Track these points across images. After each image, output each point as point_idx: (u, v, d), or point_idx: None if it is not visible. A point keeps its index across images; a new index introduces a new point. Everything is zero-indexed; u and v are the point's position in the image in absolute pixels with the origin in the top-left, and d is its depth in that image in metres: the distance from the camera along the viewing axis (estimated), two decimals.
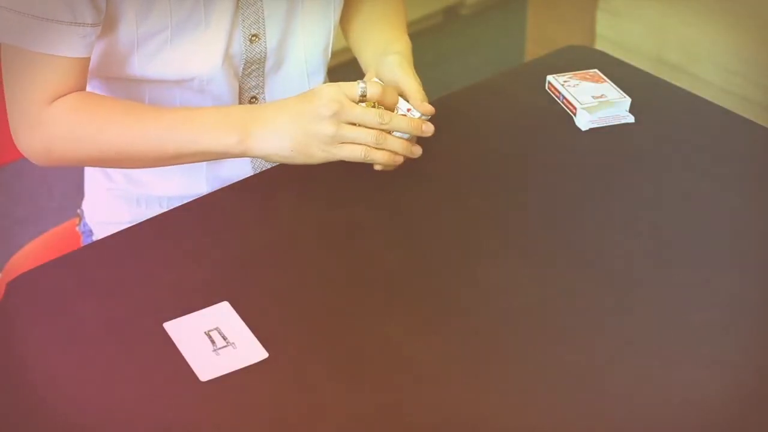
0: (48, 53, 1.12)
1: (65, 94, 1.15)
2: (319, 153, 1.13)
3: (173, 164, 1.20)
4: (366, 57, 1.32)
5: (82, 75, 1.17)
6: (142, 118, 1.15)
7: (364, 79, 1.25)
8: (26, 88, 1.15)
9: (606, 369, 0.97)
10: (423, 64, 1.36)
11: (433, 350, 0.99)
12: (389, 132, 1.14)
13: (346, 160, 1.14)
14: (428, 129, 1.16)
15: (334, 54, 1.35)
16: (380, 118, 1.12)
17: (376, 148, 1.13)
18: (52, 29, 1.11)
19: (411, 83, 1.20)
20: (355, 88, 1.13)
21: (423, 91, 1.19)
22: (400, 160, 1.15)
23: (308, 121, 1.12)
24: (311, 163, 1.15)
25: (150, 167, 1.26)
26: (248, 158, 1.33)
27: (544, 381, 0.95)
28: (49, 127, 1.15)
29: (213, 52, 1.21)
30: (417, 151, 1.17)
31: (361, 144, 1.13)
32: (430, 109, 1.18)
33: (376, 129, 1.12)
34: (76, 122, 1.15)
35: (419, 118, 1.17)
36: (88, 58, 1.17)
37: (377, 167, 1.16)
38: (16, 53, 1.13)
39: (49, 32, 1.11)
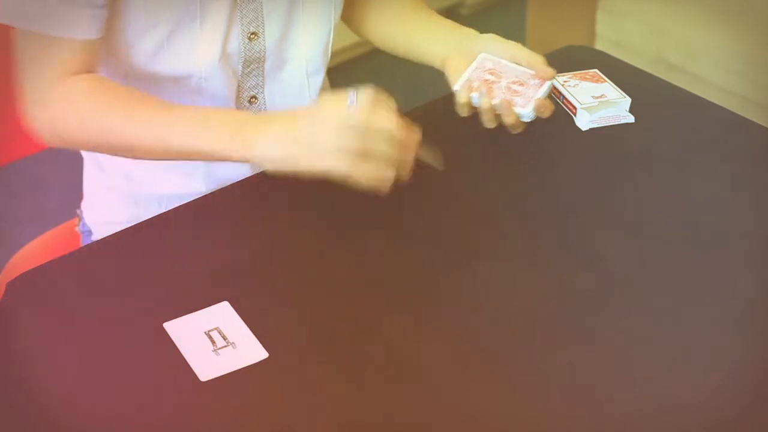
0: (59, 35, 1.12)
1: (79, 73, 1.15)
2: (327, 157, 1.08)
3: (174, 159, 1.19)
4: (435, 46, 1.33)
5: (93, 55, 1.16)
6: (150, 106, 1.14)
7: (449, 66, 1.29)
8: (39, 65, 1.14)
9: (606, 369, 0.97)
10: (423, 63, 1.36)
11: (433, 350, 0.99)
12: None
13: (338, 174, 1.07)
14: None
15: (334, 54, 1.35)
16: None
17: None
18: (66, 12, 1.11)
19: (532, 54, 1.26)
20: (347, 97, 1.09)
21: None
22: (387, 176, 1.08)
23: (318, 128, 1.08)
24: (313, 169, 1.09)
25: (150, 159, 1.24)
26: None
27: (544, 381, 0.95)
28: (58, 104, 1.14)
29: (209, 49, 1.21)
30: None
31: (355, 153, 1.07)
32: (552, 72, 1.24)
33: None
34: (84, 101, 1.14)
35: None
36: (99, 41, 1.16)
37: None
38: (30, 35, 1.13)
39: (62, 14, 1.11)
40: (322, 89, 1.37)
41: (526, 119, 1.23)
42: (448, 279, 1.08)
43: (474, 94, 1.24)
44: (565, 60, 1.46)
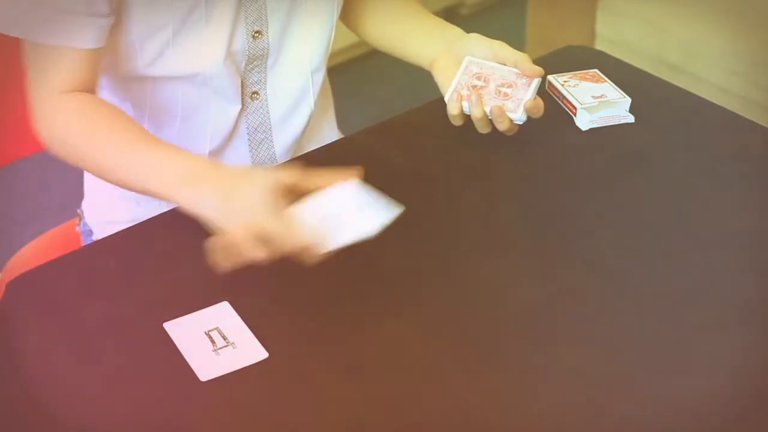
0: (65, 45, 1.13)
1: (78, 87, 1.16)
2: (235, 220, 1.02)
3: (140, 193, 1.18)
4: (424, 48, 1.34)
5: (93, 67, 1.17)
6: (120, 143, 1.14)
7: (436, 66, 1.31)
8: (42, 77, 1.16)
9: (605, 369, 0.97)
10: (413, 64, 1.36)
11: (433, 350, 0.99)
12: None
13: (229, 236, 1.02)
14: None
15: (334, 54, 1.35)
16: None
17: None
18: (70, 21, 1.11)
19: (516, 53, 1.26)
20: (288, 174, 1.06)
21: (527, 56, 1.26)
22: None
23: (240, 196, 1.04)
24: (233, 225, 1.02)
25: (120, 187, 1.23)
26: (247, 155, 1.33)
27: (543, 381, 0.95)
28: (50, 119, 1.16)
29: (215, 48, 1.21)
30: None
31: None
32: (540, 70, 1.23)
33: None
34: (68, 123, 1.16)
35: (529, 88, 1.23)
36: (101, 51, 1.17)
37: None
38: (35, 43, 1.14)
39: (66, 24, 1.12)
40: (323, 88, 1.37)
41: (519, 122, 1.23)
42: (449, 279, 1.08)
43: (465, 103, 1.24)
44: (565, 60, 1.46)
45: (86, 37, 1.14)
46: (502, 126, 1.23)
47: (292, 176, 1.05)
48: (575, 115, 1.32)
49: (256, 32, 1.24)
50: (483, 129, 1.25)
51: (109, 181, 1.20)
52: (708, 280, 1.07)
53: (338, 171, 1.06)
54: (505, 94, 1.23)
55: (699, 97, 1.40)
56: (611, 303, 1.04)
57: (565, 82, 1.36)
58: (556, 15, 2.67)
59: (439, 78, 1.31)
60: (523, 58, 1.25)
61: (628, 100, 1.33)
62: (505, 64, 1.26)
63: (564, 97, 1.34)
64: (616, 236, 1.13)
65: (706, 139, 1.31)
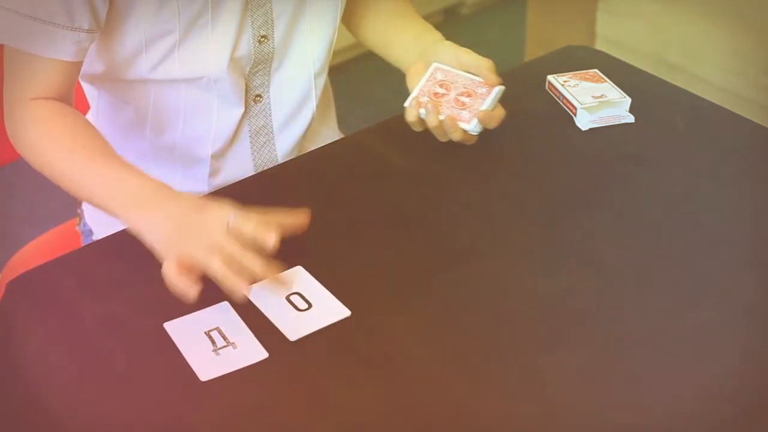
0: (40, 55, 1.13)
1: (51, 96, 1.16)
2: (197, 249, 1.02)
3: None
4: (404, 52, 1.34)
5: (69, 79, 1.18)
6: (84, 156, 1.14)
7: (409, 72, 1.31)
8: (16, 82, 1.17)
9: (605, 369, 0.97)
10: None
11: (433, 350, 0.99)
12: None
13: (208, 270, 1.01)
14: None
15: (334, 54, 1.35)
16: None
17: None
18: (48, 32, 1.11)
19: (478, 59, 1.25)
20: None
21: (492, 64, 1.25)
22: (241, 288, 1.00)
23: (203, 222, 1.04)
24: (185, 257, 1.02)
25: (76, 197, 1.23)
26: (249, 158, 1.33)
27: (542, 380, 0.95)
28: (20, 124, 1.16)
29: (220, 53, 1.21)
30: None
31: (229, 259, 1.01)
32: (498, 79, 1.23)
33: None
34: (35, 128, 1.16)
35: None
36: (80, 63, 1.18)
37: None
38: (14, 49, 1.15)
39: (44, 34, 1.12)
40: (325, 89, 1.37)
41: (475, 133, 1.23)
42: (448, 279, 1.08)
43: (421, 110, 1.23)
44: (565, 60, 1.46)
45: (65, 50, 1.14)
46: (455, 136, 1.22)
47: (247, 216, 1.03)
48: (575, 115, 1.32)
49: (262, 37, 1.24)
50: (440, 137, 1.24)
51: (69, 192, 1.17)
52: (708, 280, 1.07)
53: (291, 214, 1.06)
54: (463, 104, 1.22)
55: (699, 97, 1.40)
56: (611, 303, 1.04)
57: (565, 82, 1.36)
58: (556, 15, 2.68)
59: (409, 84, 1.31)
60: (484, 66, 1.24)
61: (628, 100, 1.33)
62: (468, 71, 1.26)
63: (564, 97, 1.34)
64: (616, 236, 1.13)
65: (706, 139, 1.31)
